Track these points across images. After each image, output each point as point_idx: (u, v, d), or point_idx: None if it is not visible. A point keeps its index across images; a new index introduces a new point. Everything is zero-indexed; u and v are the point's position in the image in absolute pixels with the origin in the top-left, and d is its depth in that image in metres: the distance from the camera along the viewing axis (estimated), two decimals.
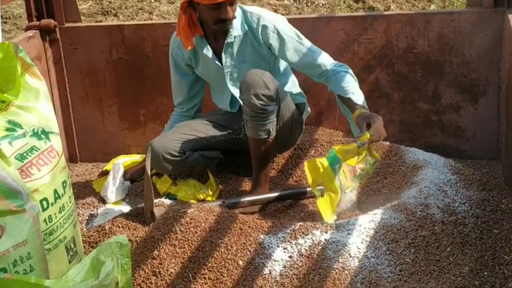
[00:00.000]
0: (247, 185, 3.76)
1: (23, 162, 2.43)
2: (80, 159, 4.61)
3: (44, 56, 4.29)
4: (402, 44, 4.09)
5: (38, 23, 4.26)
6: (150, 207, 3.17)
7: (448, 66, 4.08)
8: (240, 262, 2.89)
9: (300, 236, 3.02)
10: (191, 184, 3.71)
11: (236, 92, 3.67)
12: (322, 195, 3.22)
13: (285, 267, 2.89)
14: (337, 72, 3.53)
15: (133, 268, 2.77)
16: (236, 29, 3.57)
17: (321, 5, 7.41)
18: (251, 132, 3.48)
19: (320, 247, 2.97)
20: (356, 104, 3.40)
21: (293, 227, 3.09)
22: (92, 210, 3.69)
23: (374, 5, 7.18)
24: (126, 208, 3.65)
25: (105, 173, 3.99)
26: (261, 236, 3.04)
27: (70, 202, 2.65)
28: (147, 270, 2.82)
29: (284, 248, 2.97)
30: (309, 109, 3.91)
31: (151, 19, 7.26)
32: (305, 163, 3.27)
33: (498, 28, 3.92)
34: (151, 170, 3.41)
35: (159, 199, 3.56)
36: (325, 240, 3.00)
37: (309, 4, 7.44)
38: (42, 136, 2.53)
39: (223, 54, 3.62)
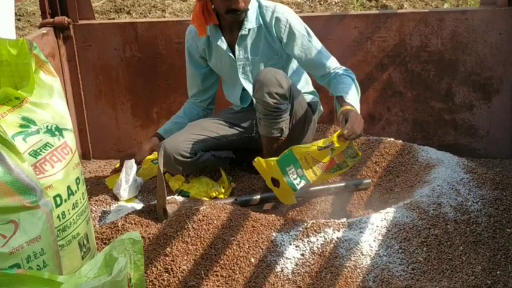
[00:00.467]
0: (259, 182, 3.76)
1: (36, 158, 2.43)
2: (93, 156, 4.62)
3: (58, 53, 4.30)
4: (415, 43, 4.08)
5: (51, 20, 4.28)
6: (163, 204, 3.18)
7: (462, 65, 4.07)
8: (252, 260, 2.89)
9: (312, 233, 3.02)
10: (204, 181, 3.72)
11: (248, 86, 3.68)
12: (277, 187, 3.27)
13: (297, 265, 2.89)
14: (339, 75, 3.50)
15: (146, 265, 2.78)
16: (251, 21, 3.57)
17: (334, 3, 7.40)
18: (264, 130, 3.48)
19: (332, 245, 2.97)
20: (344, 102, 3.32)
21: (305, 224, 3.09)
22: (104, 207, 3.70)
23: (387, 3, 7.17)
24: (138, 205, 3.66)
25: (118, 170, 4.00)
26: (273, 234, 3.04)
27: (83, 199, 2.65)
28: (159, 267, 2.83)
29: (296, 246, 2.97)
30: (321, 108, 3.91)
31: (164, 17, 7.27)
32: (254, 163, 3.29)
33: None
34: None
35: (172, 196, 3.56)
36: (337, 238, 3.00)
37: (322, 2, 7.43)
38: (56, 133, 2.54)
39: (236, 46, 3.63)
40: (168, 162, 3.57)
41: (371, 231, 3.04)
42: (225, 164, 3.81)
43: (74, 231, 2.58)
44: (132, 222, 3.17)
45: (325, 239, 3.00)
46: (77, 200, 2.59)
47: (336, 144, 3.15)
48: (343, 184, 3.63)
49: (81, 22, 4.36)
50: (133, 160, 3.97)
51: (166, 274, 2.80)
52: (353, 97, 3.36)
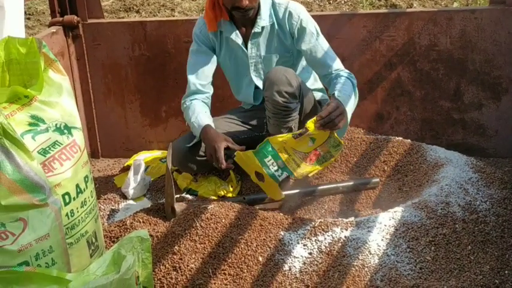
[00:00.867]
0: None
1: (45, 156, 2.44)
2: (102, 154, 4.63)
3: (67, 51, 4.31)
4: (424, 42, 4.08)
5: (61, 19, 4.29)
6: (171, 203, 3.19)
7: (471, 64, 4.06)
8: (260, 258, 2.89)
9: (320, 232, 3.03)
10: (212, 180, 3.73)
11: (260, 84, 3.67)
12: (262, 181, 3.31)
13: (304, 263, 2.90)
14: (341, 76, 3.51)
15: (154, 263, 2.78)
16: (264, 19, 3.57)
17: (343, 2, 7.40)
18: (273, 129, 3.48)
19: (340, 244, 2.97)
20: (333, 98, 3.30)
21: (313, 223, 3.09)
22: (113, 205, 3.71)
23: (396, 3, 7.16)
24: (147, 203, 3.67)
25: (127, 169, 4.02)
26: (281, 233, 3.04)
27: (92, 197, 2.66)
28: (167, 265, 2.83)
29: (304, 245, 2.98)
30: None
31: (173, 16, 7.28)
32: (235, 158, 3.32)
33: None
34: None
35: (180, 195, 3.57)
36: (345, 237, 3.00)
37: (331, 1, 7.43)
38: (65, 131, 2.55)
39: (249, 43, 3.62)
40: (182, 161, 3.58)
41: (379, 230, 3.04)
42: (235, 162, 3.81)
43: (82, 229, 2.59)
44: (141, 220, 3.18)
45: (333, 237, 3.00)
46: (85, 198, 2.60)
47: (310, 130, 3.18)
48: (351, 183, 3.63)
49: (90, 21, 4.37)
50: (142, 159, 3.98)
51: (174, 272, 2.81)
52: (347, 99, 3.34)
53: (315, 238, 3.00)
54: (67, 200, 2.50)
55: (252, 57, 3.65)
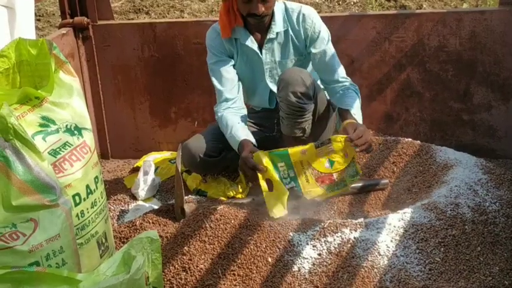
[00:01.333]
0: None
1: (56, 157, 2.46)
2: (112, 155, 4.64)
3: (77, 53, 4.33)
4: (434, 43, 4.07)
5: (71, 20, 4.30)
6: (181, 204, 3.20)
7: (480, 65, 4.05)
8: (269, 259, 2.90)
9: (329, 233, 3.03)
10: (221, 181, 3.73)
11: (275, 89, 3.67)
12: (270, 190, 3.26)
13: (314, 264, 2.90)
14: (347, 89, 3.55)
15: (164, 263, 2.79)
16: (278, 25, 3.57)
17: (352, 3, 7.39)
18: (286, 129, 3.49)
19: (349, 245, 2.97)
20: (351, 116, 3.38)
21: (322, 224, 3.09)
22: (123, 206, 3.72)
23: (406, 4, 7.15)
24: (156, 204, 3.68)
25: (136, 170, 4.03)
26: (290, 234, 3.04)
27: (102, 198, 2.68)
28: (177, 265, 2.84)
29: (313, 246, 2.98)
30: None
31: (183, 17, 7.29)
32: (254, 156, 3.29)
33: None
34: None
35: (190, 196, 3.58)
36: (354, 238, 3.01)
37: (340, 2, 7.42)
38: (75, 132, 2.56)
39: (263, 49, 3.63)
40: (194, 162, 3.59)
41: (388, 231, 3.04)
42: None
43: (92, 230, 2.60)
44: (150, 221, 3.19)
45: (342, 238, 3.00)
46: (95, 199, 2.62)
47: (334, 145, 3.22)
48: (360, 184, 3.63)
49: (100, 22, 4.38)
50: (151, 160, 3.99)
51: (184, 273, 2.81)
52: (359, 114, 3.44)
53: (324, 239, 3.00)
54: (77, 201, 2.51)
55: (267, 62, 3.65)
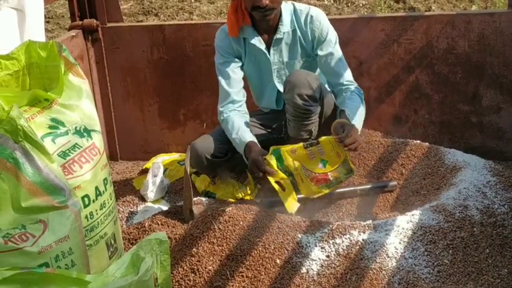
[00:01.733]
0: None
1: (65, 159, 2.46)
2: (121, 157, 4.65)
3: (86, 55, 4.34)
4: (442, 45, 4.07)
5: (80, 22, 4.31)
6: (189, 206, 3.20)
7: (489, 67, 4.05)
8: (278, 261, 2.90)
9: (338, 235, 3.03)
10: (230, 183, 3.73)
11: (283, 89, 3.67)
12: (283, 189, 3.31)
13: (322, 266, 2.90)
14: (351, 91, 3.57)
15: (172, 265, 2.80)
16: (285, 25, 3.58)
17: (361, 5, 7.39)
18: (293, 132, 3.50)
19: (358, 247, 2.97)
20: (343, 114, 3.40)
21: (331, 226, 3.09)
22: (131, 208, 3.73)
23: (415, 5, 7.15)
24: (165, 206, 3.69)
25: (145, 171, 4.03)
26: (299, 235, 3.05)
27: (111, 199, 2.68)
28: (185, 267, 2.85)
29: (322, 248, 2.98)
30: None
31: (192, 19, 7.30)
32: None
33: None
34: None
35: (198, 197, 3.59)
36: (362, 240, 3.01)
37: (349, 4, 7.42)
38: (85, 134, 2.57)
39: (271, 49, 3.63)
40: (200, 162, 3.60)
41: (397, 233, 3.04)
42: None
43: (101, 231, 2.61)
44: (159, 222, 3.20)
45: (351, 240, 3.00)
46: (104, 201, 2.62)
47: (324, 146, 3.28)
48: (369, 186, 3.63)
49: (109, 25, 4.40)
50: (160, 162, 3.99)
51: (193, 274, 2.82)
52: (358, 118, 3.45)
53: (333, 241, 3.00)
54: (86, 202, 2.52)
55: (274, 63, 3.66)
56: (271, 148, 3.33)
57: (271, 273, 2.85)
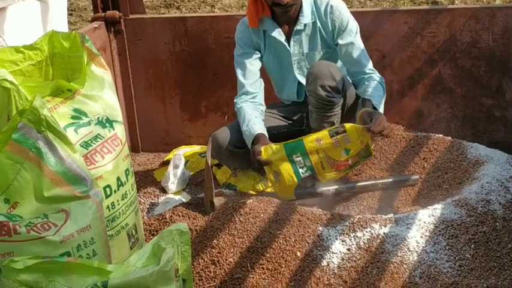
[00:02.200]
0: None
1: (87, 149, 2.48)
2: (142, 149, 4.67)
3: (109, 46, 4.36)
4: (466, 39, 4.04)
5: (103, 14, 4.33)
6: (210, 197, 3.20)
7: None
8: (298, 253, 2.90)
9: (359, 228, 3.02)
10: (250, 175, 3.74)
11: (304, 81, 3.66)
12: (278, 182, 3.34)
13: (343, 259, 2.89)
14: (373, 79, 3.56)
15: (193, 256, 2.80)
16: (306, 16, 3.57)
17: None
18: (315, 123, 3.49)
19: (379, 240, 2.96)
20: (368, 103, 3.40)
21: (352, 219, 3.08)
22: (152, 199, 3.74)
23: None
24: (186, 198, 3.70)
25: (166, 163, 4.04)
26: (320, 228, 3.04)
27: (132, 190, 2.69)
28: (206, 258, 2.85)
29: (342, 241, 2.97)
30: None
31: (214, 12, 7.30)
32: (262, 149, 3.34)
33: None
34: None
35: (219, 189, 3.59)
36: (383, 233, 3.00)
37: None
38: (107, 124, 2.58)
39: (291, 41, 3.62)
40: (220, 152, 3.60)
41: (418, 227, 3.03)
42: None
43: (122, 222, 2.62)
44: (180, 214, 3.21)
45: (372, 234, 2.99)
46: (126, 191, 2.63)
47: (350, 135, 3.25)
48: (390, 180, 3.62)
49: (132, 16, 4.41)
50: (181, 154, 4.00)
51: (213, 266, 2.82)
52: (380, 103, 3.45)
53: (354, 234, 3.00)
54: (108, 193, 2.53)
55: (294, 54, 3.65)
56: (291, 141, 3.31)
57: (291, 265, 2.84)
